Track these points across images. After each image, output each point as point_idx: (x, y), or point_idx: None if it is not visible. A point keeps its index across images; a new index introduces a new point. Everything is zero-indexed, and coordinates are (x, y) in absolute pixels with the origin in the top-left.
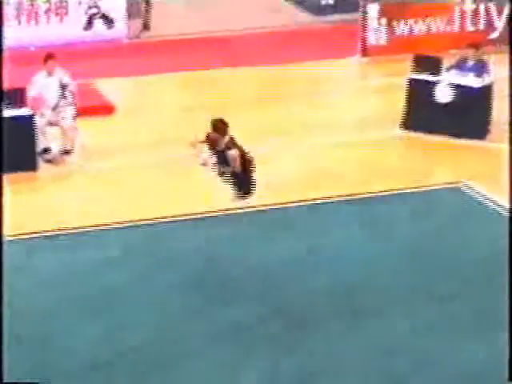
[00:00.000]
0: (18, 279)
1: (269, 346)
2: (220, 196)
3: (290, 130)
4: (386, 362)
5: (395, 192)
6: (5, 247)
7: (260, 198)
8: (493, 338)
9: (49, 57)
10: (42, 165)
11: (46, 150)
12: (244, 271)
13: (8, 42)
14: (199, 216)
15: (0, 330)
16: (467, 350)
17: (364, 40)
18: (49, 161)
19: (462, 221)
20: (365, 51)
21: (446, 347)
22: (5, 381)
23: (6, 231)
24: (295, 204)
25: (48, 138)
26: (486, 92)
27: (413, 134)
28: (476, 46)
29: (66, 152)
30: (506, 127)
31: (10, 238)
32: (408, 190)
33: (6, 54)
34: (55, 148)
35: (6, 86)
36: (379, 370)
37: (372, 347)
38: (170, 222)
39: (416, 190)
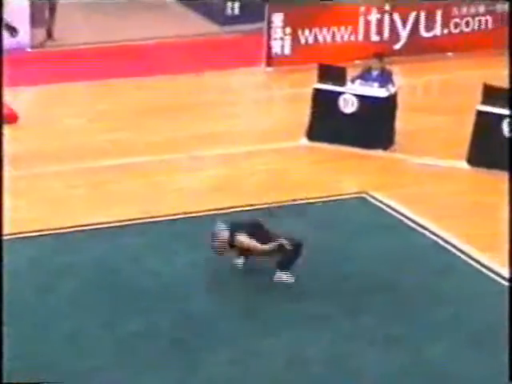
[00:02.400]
0: None
1: (172, 358)
2: (121, 207)
3: (193, 140)
4: None
5: (298, 203)
6: None
7: (160, 209)
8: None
9: None
10: None
11: None
12: (145, 282)
13: None
14: (103, 226)
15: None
16: None
17: (269, 49)
18: None
19: (365, 231)
20: (270, 61)
21: None
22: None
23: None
24: (195, 214)
25: None
26: (389, 102)
27: (318, 145)
28: (380, 56)
29: None
30: (410, 137)
31: None
32: (311, 201)
33: None
34: None
35: None
36: None
37: None
38: (76, 231)
39: (319, 200)
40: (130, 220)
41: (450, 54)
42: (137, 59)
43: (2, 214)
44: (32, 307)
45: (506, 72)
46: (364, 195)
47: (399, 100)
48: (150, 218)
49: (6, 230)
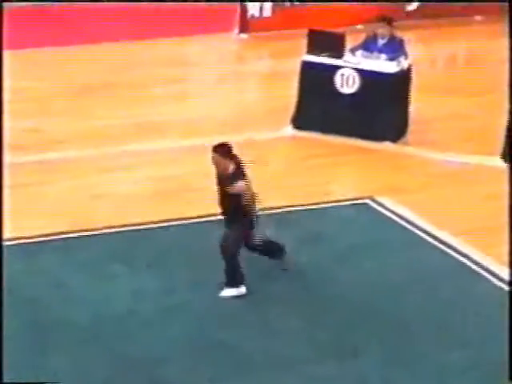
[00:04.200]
0: None
1: None
2: (41, 217)
3: (133, 129)
4: None
5: (280, 211)
6: None
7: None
8: None
9: None
10: None
11: None
12: None
13: None
14: (16, 242)
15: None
16: None
17: (244, 11)
18: None
19: (365, 247)
20: (244, 25)
21: None
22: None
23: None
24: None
25: None
26: (400, 79)
27: (307, 135)
28: (388, 19)
29: None
30: (429, 126)
31: None
32: (298, 208)
33: None
34: None
35: None
36: None
37: None
38: None
39: (310, 208)
40: (51, 234)
41: (478, 17)
42: (67, 23)
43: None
44: None
45: None
46: (367, 201)
47: (413, 77)
48: (78, 231)
49: None
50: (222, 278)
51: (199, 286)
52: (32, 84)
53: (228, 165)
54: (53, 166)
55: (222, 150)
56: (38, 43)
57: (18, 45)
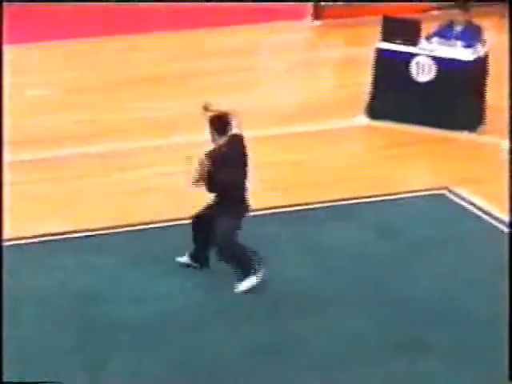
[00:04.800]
0: None
1: None
2: (86, 212)
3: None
4: None
5: (352, 203)
6: None
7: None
8: None
9: None
10: None
11: None
12: None
13: None
14: (67, 237)
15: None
16: None
17: None
18: None
19: (442, 241)
20: (318, 12)
21: None
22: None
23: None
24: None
25: None
26: (478, 67)
27: (381, 124)
28: (465, 4)
29: None
30: (506, 115)
31: None
32: (371, 200)
33: None
34: None
35: None
36: None
37: None
38: (32, 244)
39: (384, 199)
40: (98, 229)
41: None
42: (131, 12)
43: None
44: None
45: None
46: (443, 192)
47: (491, 65)
48: (123, 227)
49: None
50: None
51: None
52: (84, 74)
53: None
54: (104, 158)
55: (215, 124)
56: (100, 32)
57: (73, 34)
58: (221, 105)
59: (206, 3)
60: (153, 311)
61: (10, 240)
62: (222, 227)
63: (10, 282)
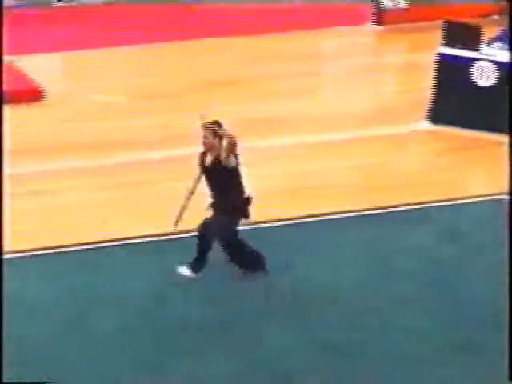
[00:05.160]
0: None
1: None
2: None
3: (273, 123)
4: None
5: (415, 207)
6: None
7: None
8: None
9: None
10: None
11: None
12: None
13: None
14: (150, 240)
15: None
16: None
17: (379, 3)
18: None
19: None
20: (379, 17)
21: None
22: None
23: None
24: (278, 223)
25: None
26: None
27: (443, 129)
28: None
29: None
30: None
31: None
32: (433, 205)
33: None
34: None
35: None
36: None
37: None
38: (113, 246)
39: (445, 204)
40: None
41: None
42: (188, 18)
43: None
44: (57, 347)
45: None
46: (503, 197)
47: None
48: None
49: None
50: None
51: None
52: (158, 80)
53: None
54: (171, 164)
55: (215, 129)
56: (168, 38)
57: (145, 40)
58: (285, 109)
59: (273, 9)
60: (224, 311)
61: (109, 241)
62: (221, 222)
63: (92, 282)
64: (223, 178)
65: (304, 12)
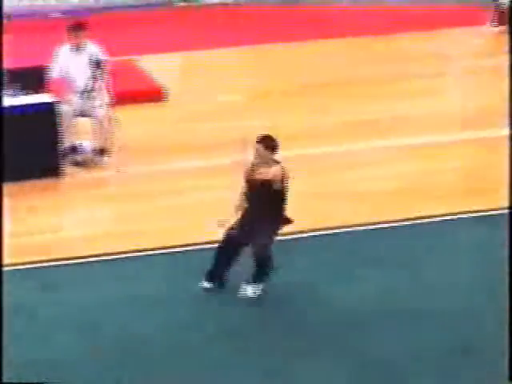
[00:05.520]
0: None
1: None
2: None
3: (375, 125)
4: None
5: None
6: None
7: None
8: None
9: (78, 26)
10: (67, 169)
11: (74, 149)
12: None
13: (23, 7)
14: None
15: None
16: None
17: (498, 3)
18: (77, 163)
19: None
20: (500, 17)
21: None
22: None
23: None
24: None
25: (76, 133)
26: None
27: None
28: None
29: (100, 151)
30: None
31: (21, 267)
32: None
33: (19, 23)
34: (86, 146)
35: (18, 64)
36: None
37: None
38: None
39: None
40: (296, 233)
41: None
42: (305, 19)
43: (3, 240)
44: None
45: None
46: None
47: None
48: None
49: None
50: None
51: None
52: (269, 80)
53: (270, 157)
54: (289, 164)
55: (267, 143)
56: (293, 38)
57: (252, 41)
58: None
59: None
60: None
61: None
62: (261, 239)
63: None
64: (265, 195)
65: (423, 12)
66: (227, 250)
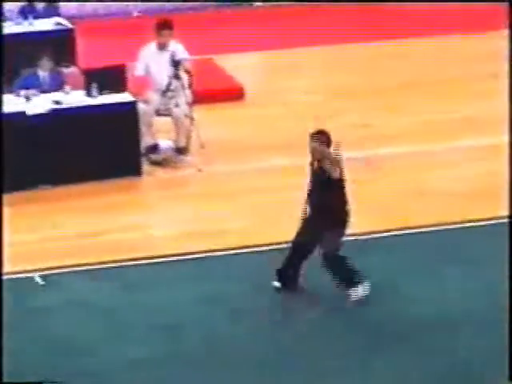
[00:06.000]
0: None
1: None
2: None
3: (467, 125)
4: None
5: None
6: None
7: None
8: None
9: (164, 25)
10: (147, 168)
11: (154, 148)
12: None
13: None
14: None
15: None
16: None
17: None
18: (157, 163)
19: None
20: None
21: None
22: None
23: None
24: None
25: (156, 132)
26: None
27: None
28: None
29: (180, 150)
30: None
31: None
32: None
33: (102, 22)
34: (165, 145)
35: (100, 63)
36: None
37: None
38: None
39: None
40: (378, 232)
41: None
42: (382, 19)
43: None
44: None
45: None
46: None
47: None
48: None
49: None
50: None
51: None
52: (350, 79)
53: (328, 152)
54: (382, 163)
55: (321, 138)
56: (375, 37)
57: (338, 40)
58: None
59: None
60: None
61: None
62: (329, 243)
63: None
64: (326, 188)
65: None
66: (296, 252)
